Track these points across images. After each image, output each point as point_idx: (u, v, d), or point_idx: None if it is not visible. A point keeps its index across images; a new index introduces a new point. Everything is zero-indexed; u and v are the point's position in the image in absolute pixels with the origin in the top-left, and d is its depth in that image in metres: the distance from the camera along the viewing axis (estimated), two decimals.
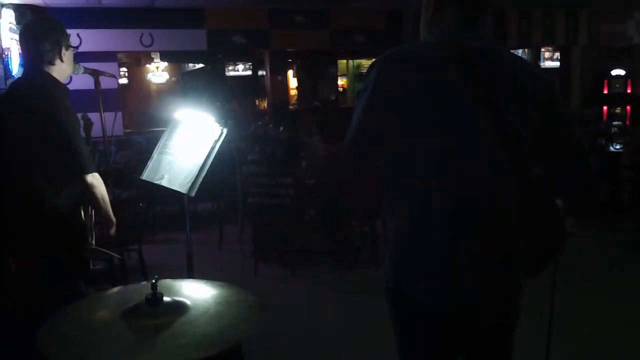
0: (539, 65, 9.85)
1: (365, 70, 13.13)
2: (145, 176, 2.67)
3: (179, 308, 1.50)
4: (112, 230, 2.49)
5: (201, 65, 11.71)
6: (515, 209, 1.53)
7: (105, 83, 2.83)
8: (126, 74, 11.36)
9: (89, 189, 2.33)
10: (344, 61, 12.26)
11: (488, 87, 1.49)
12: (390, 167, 1.56)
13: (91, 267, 2.52)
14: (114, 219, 2.48)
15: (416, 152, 1.49)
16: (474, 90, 1.48)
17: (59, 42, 2.40)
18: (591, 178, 1.63)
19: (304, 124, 6.52)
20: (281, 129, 6.04)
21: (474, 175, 1.48)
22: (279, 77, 9.12)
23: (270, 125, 6.34)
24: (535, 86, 1.53)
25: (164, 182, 2.55)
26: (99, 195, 2.37)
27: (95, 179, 2.34)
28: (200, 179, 2.44)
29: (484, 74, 1.50)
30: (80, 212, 2.40)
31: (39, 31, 2.40)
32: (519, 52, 10.24)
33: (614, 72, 9.99)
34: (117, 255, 2.65)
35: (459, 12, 1.55)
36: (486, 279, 1.51)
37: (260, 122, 6.54)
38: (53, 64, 2.39)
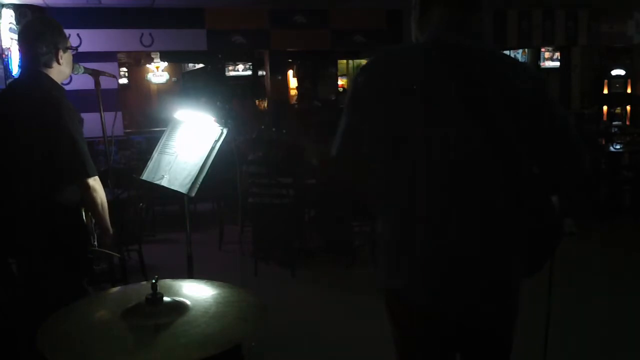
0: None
1: None
2: (145, 176, 2.67)
3: (179, 308, 1.50)
4: (109, 241, 2.45)
5: (201, 65, 11.72)
6: (508, 206, 1.52)
7: (106, 83, 2.83)
8: (126, 74, 11.37)
9: (89, 192, 2.32)
10: (344, 61, 12.27)
11: (475, 86, 1.49)
12: (381, 168, 1.56)
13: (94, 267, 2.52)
14: (111, 229, 2.44)
15: (406, 152, 1.49)
16: (461, 90, 1.47)
17: (56, 44, 2.39)
18: (587, 175, 1.63)
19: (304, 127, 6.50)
20: (284, 131, 6.04)
21: (465, 175, 1.48)
22: (279, 77, 9.12)
23: (274, 129, 6.32)
24: (524, 84, 1.53)
25: (164, 182, 2.55)
26: (98, 201, 2.35)
27: (96, 183, 2.34)
28: (201, 179, 2.44)
29: (471, 73, 1.50)
30: (82, 213, 2.40)
31: (36, 33, 2.39)
32: (519, 52, 10.25)
33: (614, 72, 9.99)
34: (117, 255, 2.65)
35: (444, 12, 1.56)
36: (480, 277, 1.51)
37: (263, 127, 6.48)
38: (50, 67, 2.38)
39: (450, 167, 1.48)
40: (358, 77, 1.55)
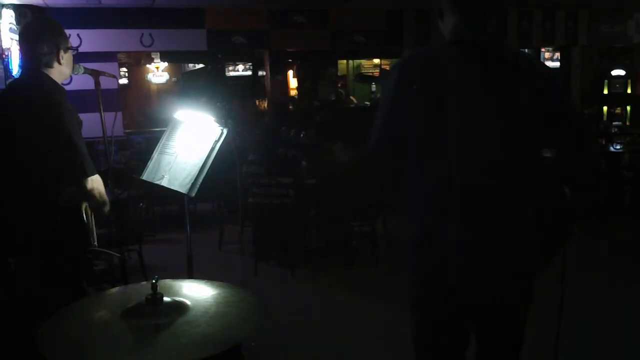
0: (538, 59, 9.89)
1: (365, 71, 13.18)
2: (145, 176, 2.67)
3: (179, 308, 1.50)
4: (106, 209, 2.44)
5: (201, 65, 11.72)
6: (530, 197, 1.62)
7: (106, 83, 2.83)
8: (126, 74, 11.36)
9: (88, 191, 2.33)
10: (344, 61, 12.27)
11: (497, 81, 1.58)
12: (412, 161, 1.63)
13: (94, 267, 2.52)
14: (107, 200, 2.44)
15: (435, 144, 1.58)
16: (483, 85, 1.57)
17: (57, 44, 2.40)
18: (597, 159, 1.72)
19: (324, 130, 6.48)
20: (302, 134, 6.05)
21: (490, 162, 1.57)
22: (279, 77, 9.12)
23: (293, 131, 6.31)
24: (540, 77, 1.63)
25: (164, 183, 2.55)
26: (96, 193, 2.36)
27: (94, 182, 2.34)
28: (201, 179, 2.44)
29: (492, 69, 1.59)
30: (83, 213, 2.40)
31: (37, 33, 2.39)
32: None
33: (614, 72, 9.99)
34: (117, 254, 2.65)
35: (458, 16, 1.66)
36: (504, 262, 1.59)
37: (283, 128, 6.43)
38: (51, 67, 2.38)
39: (477, 157, 1.56)
40: (397, 74, 1.65)
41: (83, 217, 2.40)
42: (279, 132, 5.80)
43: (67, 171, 2.31)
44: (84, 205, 2.40)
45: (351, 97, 11.76)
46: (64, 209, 2.33)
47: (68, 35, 2.51)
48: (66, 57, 2.44)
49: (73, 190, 2.34)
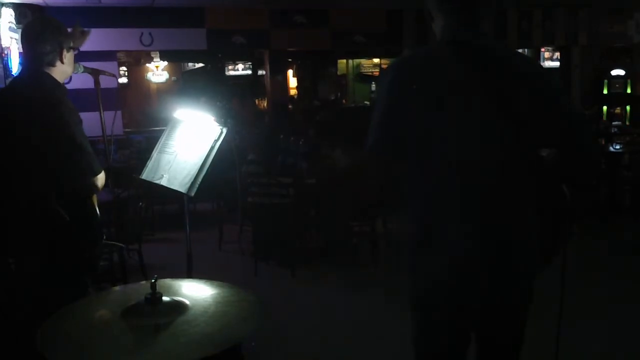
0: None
1: (365, 70, 13.19)
2: (144, 176, 2.67)
3: (179, 308, 1.50)
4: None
5: (201, 64, 11.72)
6: (528, 194, 1.62)
7: (105, 82, 2.82)
8: (126, 73, 11.36)
9: (97, 189, 2.36)
10: (344, 61, 12.28)
11: (496, 81, 1.58)
12: (412, 160, 1.62)
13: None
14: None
15: (435, 144, 1.57)
16: (483, 85, 1.57)
17: (60, 43, 2.39)
18: (597, 159, 1.67)
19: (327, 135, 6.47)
20: (301, 141, 6.05)
21: (490, 162, 1.56)
22: (279, 77, 9.12)
23: (292, 138, 6.30)
24: (539, 78, 1.64)
25: (164, 182, 2.54)
26: (100, 189, 2.40)
27: (98, 180, 2.35)
28: (200, 179, 2.43)
29: (492, 69, 1.59)
30: (96, 210, 2.40)
31: (40, 32, 2.39)
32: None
33: (614, 72, 9.99)
34: (122, 245, 2.65)
35: (451, 15, 1.67)
36: (504, 263, 1.58)
37: (281, 136, 6.44)
38: (53, 66, 2.38)
39: (475, 157, 1.56)
40: (392, 76, 1.65)
41: (96, 210, 2.41)
42: (278, 140, 5.79)
43: (69, 170, 2.31)
44: (95, 200, 2.41)
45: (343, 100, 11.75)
46: (68, 208, 2.33)
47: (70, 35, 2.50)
48: (68, 56, 2.44)
49: (78, 188, 2.34)
